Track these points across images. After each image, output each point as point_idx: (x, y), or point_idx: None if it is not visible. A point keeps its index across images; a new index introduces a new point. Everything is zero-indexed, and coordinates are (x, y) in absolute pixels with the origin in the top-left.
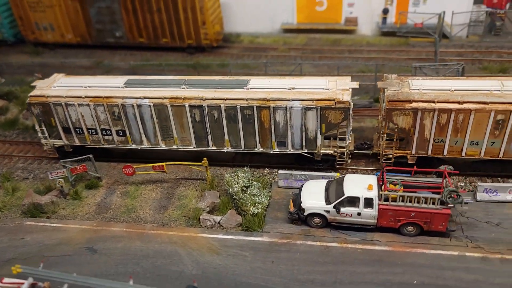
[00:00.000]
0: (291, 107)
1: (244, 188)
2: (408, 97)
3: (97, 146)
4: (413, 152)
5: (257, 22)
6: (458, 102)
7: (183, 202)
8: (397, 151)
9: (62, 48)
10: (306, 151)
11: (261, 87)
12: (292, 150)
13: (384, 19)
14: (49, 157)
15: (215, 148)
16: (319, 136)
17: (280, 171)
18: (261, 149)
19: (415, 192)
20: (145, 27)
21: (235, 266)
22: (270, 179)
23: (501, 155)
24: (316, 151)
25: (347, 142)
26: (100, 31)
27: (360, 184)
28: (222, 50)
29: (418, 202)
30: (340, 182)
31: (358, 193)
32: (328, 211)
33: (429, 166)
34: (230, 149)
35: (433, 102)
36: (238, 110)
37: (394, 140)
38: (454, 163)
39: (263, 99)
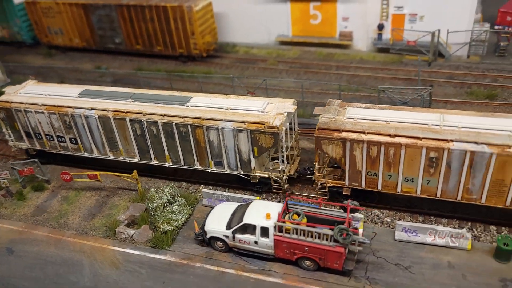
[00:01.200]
0: (223, 128)
1: (167, 203)
2: (338, 126)
3: (54, 152)
4: (347, 183)
5: (254, 33)
6: (390, 135)
7: (111, 212)
8: (331, 181)
9: (72, 51)
10: (242, 172)
11: (201, 105)
12: (228, 171)
13: (380, 35)
14: (17, 157)
15: (157, 162)
16: (252, 158)
17: (203, 190)
18: (200, 167)
19: (312, 226)
20: (141, 35)
21: (127, 282)
22: (200, 196)
23: (438, 195)
24: (251, 174)
25: (281, 167)
26: (102, 37)
27: (262, 211)
28: (214, 60)
29: (311, 237)
30: (245, 208)
31: (255, 221)
32: (227, 236)
33: (367, 199)
34: (171, 164)
35: (363, 133)
36: (174, 127)
37: (325, 169)
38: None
39: (198, 118)
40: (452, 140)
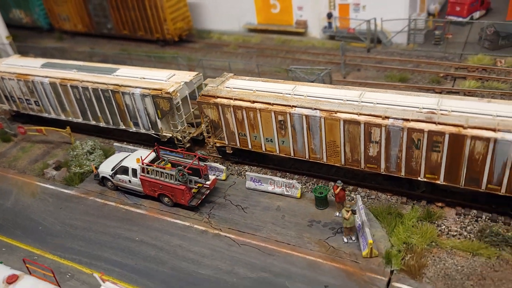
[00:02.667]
0: (133, 93)
1: (87, 154)
2: (215, 93)
3: (26, 113)
4: (226, 143)
5: (226, 21)
6: (250, 101)
7: (50, 159)
8: (217, 140)
9: (78, 35)
10: (153, 132)
11: (123, 75)
12: (143, 130)
13: (329, 23)
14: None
15: (94, 122)
16: (157, 120)
17: (115, 144)
18: (124, 127)
19: (162, 168)
20: (127, 22)
21: (36, 206)
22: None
23: (292, 154)
24: (160, 133)
25: (179, 128)
26: (97, 23)
27: (138, 157)
28: (187, 44)
29: (163, 177)
30: (128, 155)
31: (129, 164)
32: (112, 176)
33: (247, 158)
34: (104, 124)
35: (231, 99)
36: (100, 92)
37: (210, 130)
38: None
39: (116, 85)
40: (294, 106)
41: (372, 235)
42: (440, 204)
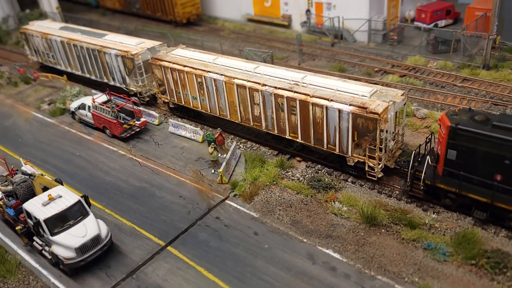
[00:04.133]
0: (110, 53)
1: (73, 96)
2: (161, 57)
3: (47, 64)
4: (169, 98)
5: (230, 10)
6: (182, 65)
7: (49, 98)
8: (163, 97)
9: (117, 12)
10: (124, 86)
11: (109, 39)
12: (118, 84)
13: (308, 18)
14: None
15: (88, 75)
16: (126, 76)
17: (92, 91)
18: (106, 80)
19: (102, 105)
20: (149, 3)
21: (24, 127)
22: None
23: (209, 111)
24: (128, 87)
25: (140, 84)
26: (129, 3)
27: (99, 99)
28: (194, 27)
29: (104, 113)
30: (88, 97)
31: (87, 102)
32: (76, 110)
33: (189, 114)
34: (94, 77)
35: (171, 63)
36: (91, 51)
37: (158, 87)
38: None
39: (101, 45)
40: (209, 71)
41: (232, 169)
42: (299, 158)
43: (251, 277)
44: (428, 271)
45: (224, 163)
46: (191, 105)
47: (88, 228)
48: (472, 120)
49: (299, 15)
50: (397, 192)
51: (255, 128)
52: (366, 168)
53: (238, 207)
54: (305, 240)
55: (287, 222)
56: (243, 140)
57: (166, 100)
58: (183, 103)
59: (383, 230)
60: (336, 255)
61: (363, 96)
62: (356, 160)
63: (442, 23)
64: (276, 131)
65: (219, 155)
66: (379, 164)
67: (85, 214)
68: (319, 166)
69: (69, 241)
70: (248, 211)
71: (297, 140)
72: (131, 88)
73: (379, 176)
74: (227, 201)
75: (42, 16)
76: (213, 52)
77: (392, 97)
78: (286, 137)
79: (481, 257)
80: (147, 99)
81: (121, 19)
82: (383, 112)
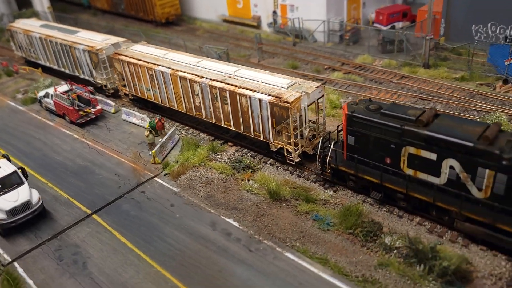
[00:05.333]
0: (79, 48)
1: (45, 87)
2: (120, 52)
3: (31, 59)
4: (129, 91)
5: (207, 11)
6: (137, 59)
7: (24, 89)
8: (124, 89)
9: (106, 13)
10: (92, 79)
11: (81, 36)
12: (87, 77)
13: (274, 19)
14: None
15: (63, 69)
16: (93, 70)
17: (62, 82)
18: (77, 74)
19: (63, 94)
20: (133, 4)
21: None
22: None
23: (160, 101)
24: (95, 80)
25: (104, 77)
26: (115, 4)
27: (60, 89)
28: (173, 26)
29: (63, 100)
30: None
31: (50, 91)
32: (42, 98)
33: (147, 106)
34: (68, 71)
35: (129, 57)
36: (63, 47)
37: (119, 80)
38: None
39: (72, 42)
40: (158, 64)
41: (167, 152)
42: (231, 144)
43: (157, 240)
44: (311, 238)
45: (158, 146)
46: (146, 96)
47: (20, 195)
48: (367, 108)
49: (266, 16)
50: (310, 174)
51: (197, 117)
52: (285, 153)
53: (164, 183)
54: (212, 211)
55: (202, 196)
56: (187, 127)
57: (126, 92)
58: (140, 94)
59: (284, 204)
60: (235, 224)
61: (281, 87)
62: (279, 146)
63: (399, 25)
64: (214, 120)
65: (160, 139)
66: (296, 150)
67: (20, 183)
68: (246, 150)
69: (1, 205)
70: (171, 187)
71: (231, 128)
72: (98, 81)
73: (297, 160)
74: (155, 179)
75: (34, 15)
76: (178, 49)
77: (306, 88)
78: (222, 125)
79: (358, 227)
80: (112, 91)
81: (109, 19)
82: (294, 101)
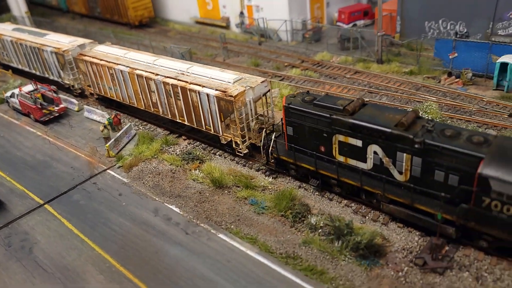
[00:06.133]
0: (47, 50)
1: (16, 86)
2: (85, 53)
3: (3, 62)
4: (93, 90)
5: (179, 13)
6: (99, 59)
7: None
8: (89, 88)
9: (85, 17)
10: (61, 80)
11: (49, 38)
12: (56, 78)
13: (242, 20)
14: None
15: (34, 71)
16: (61, 71)
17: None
18: (47, 75)
19: (27, 93)
20: (108, 7)
21: None
22: None
23: (121, 99)
24: (63, 81)
25: (71, 77)
26: (92, 8)
27: (25, 88)
28: (147, 28)
29: (27, 99)
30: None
31: (15, 91)
32: (8, 98)
33: (109, 103)
34: (38, 73)
35: (92, 57)
36: (33, 49)
37: (84, 79)
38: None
39: (41, 44)
40: (118, 64)
41: (122, 146)
42: (184, 137)
43: (101, 226)
44: (246, 221)
45: (112, 140)
46: (109, 95)
47: None
48: (303, 100)
49: (235, 17)
50: (254, 164)
51: (155, 113)
52: (233, 145)
53: (115, 175)
54: (157, 199)
55: (150, 186)
56: (145, 123)
57: (92, 92)
58: (103, 93)
59: (225, 191)
60: (177, 210)
61: (228, 82)
62: (228, 139)
63: (360, 23)
64: (169, 116)
65: (118, 134)
66: (244, 142)
67: None
68: (198, 143)
69: None
70: (121, 178)
71: (185, 122)
72: (66, 82)
73: (245, 152)
74: (108, 171)
75: (13, 19)
76: (147, 50)
77: (251, 83)
78: (177, 120)
79: (289, 209)
80: (79, 91)
81: (86, 23)
82: (238, 95)
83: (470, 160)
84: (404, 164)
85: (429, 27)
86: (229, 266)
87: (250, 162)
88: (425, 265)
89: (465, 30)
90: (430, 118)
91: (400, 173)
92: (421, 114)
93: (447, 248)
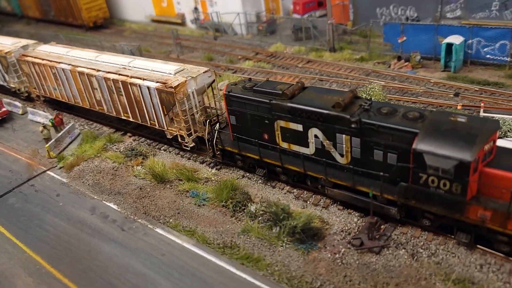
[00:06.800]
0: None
1: None
2: (27, 53)
3: None
4: (37, 91)
5: (135, 12)
6: (41, 59)
7: None
8: (33, 90)
9: (40, 21)
10: (6, 84)
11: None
12: (1, 82)
13: (196, 15)
14: None
15: None
16: (5, 74)
17: None
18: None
19: None
20: (61, 10)
21: None
22: None
23: (60, 98)
24: (9, 84)
25: (16, 80)
26: (45, 11)
27: None
28: (102, 29)
29: None
30: None
31: None
32: None
33: (57, 105)
34: None
35: (34, 57)
36: None
37: (28, 81)
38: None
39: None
40: (60, 62)
41: (64, 146)
42: (130, 134)
43: (35, 228)
44: (186, 214)
45: (52, 140)
46: (54, 96)
47: None
48: (244, 87)
49: (189, 13)
50: (198, 157)
51: (100, 111)
52: (179, 140)
53: (55, 175)
54: (95, 197)
55: (89, 185)
56: (91, 122)
57: (38, 94)
58: (49, 94)
59: (167, 186)
60: (115, 207)
61: (169, 74)
62: (175, 133)
63: (316, 14)
64: (114, 113)
65: (59, 134)
66: (189, 135)
67: None
68: (143, 139)
69: None
70: (61, 178)
71: (130, 119)
72: (12, 85)
73: (191, 145)
74: (48, 172)
75: None
76: (97, 49)
77: (192, 73)
78: (122, 117)
79: (229, 199)
80: (26, 94)
81: (41, 27)
82: (179, 86)
83: (406, 136)
84: (344, 146)
85: (380, 13)
86: (163, 260)
87: (195, 156)
88: (362, 246)
89: (416, 15)
90: (368, 98)
91: (342, 155)
92: (365, 96)
93: (384, 227)
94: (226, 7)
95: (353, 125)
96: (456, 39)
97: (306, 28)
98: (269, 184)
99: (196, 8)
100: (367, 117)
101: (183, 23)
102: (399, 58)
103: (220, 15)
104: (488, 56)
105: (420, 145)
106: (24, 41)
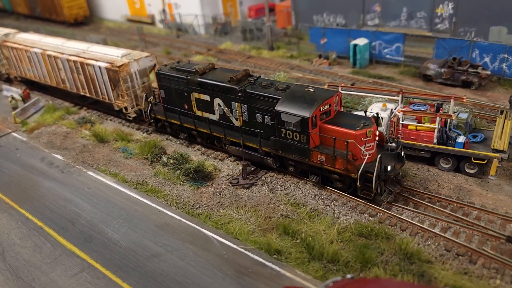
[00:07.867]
0: None
1: None
2: (8, 40)
3: None
4: (16, 73)
5: (113, 12)
6: (19, 44)
7: None
8: (12, 71)
9: (28, 17)
10: None
11: None
12: None
13: (164, 16)
14: None
15: None
16: None
17: None
18: None
19: None
20: (46, 7)
21: None
22: None
23: (40, 80)
24: None
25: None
26: (32, 8)
27: None
28: (83, 26)
29: None
30: None
31: None
32: None
33: (32, 84)
34: None
35: (13, 43)
36: None
37: (10, 65)
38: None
39: None
40: (33, 47)
41: (29, 114)
42: (85, 108)
43: None
44: (115, 163)
45: (19, 109)
46: (28, 76)
47: None
48: (170, 68)
49: (158, 14)
50: (138, 125)
51: (64, 89)
52: (124, 111)
53: (17, 136)
54: (46, 151)
55: (44, 143)
56: (55, 98)
57: (15, 75)
58: (24, 75)
59: (107, 145)
60: (60, 157)
61: (117, 56)
62: (122, 106)
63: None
64: (75, 89)
65: (25, 104)
66: (132, 107)
67: None
68: (96, 111)
69: None
70: (22, 138)
71: (87, 94)
72: None
73: (133, 116)
74: (12, 133)
75: None
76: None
77: (135, 57)
78: (81, 93)
79: (149, 153)
80: (6, 75)
81: (28, 22)
82: (123, 66)
83: (273, 102)
84: (237, 111)
85: (316, 20)
86: (88, 191)
87: (135, 124)
88: (238, 184)
89: (344, 22)
90: (257, 75)
91: (236, 119)
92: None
93: (258, 172)
94: (188, 9)
95: (239, 94)
96: (361, 41)
97: (251, 30)
98: (184, 144)
99: (164, 10)
100: (251, 88)
101: (153, 23)
102: (320, 56)
103: (182, 17)
104: (388, 56)
105: (279, 107)
106: (7, 30)
